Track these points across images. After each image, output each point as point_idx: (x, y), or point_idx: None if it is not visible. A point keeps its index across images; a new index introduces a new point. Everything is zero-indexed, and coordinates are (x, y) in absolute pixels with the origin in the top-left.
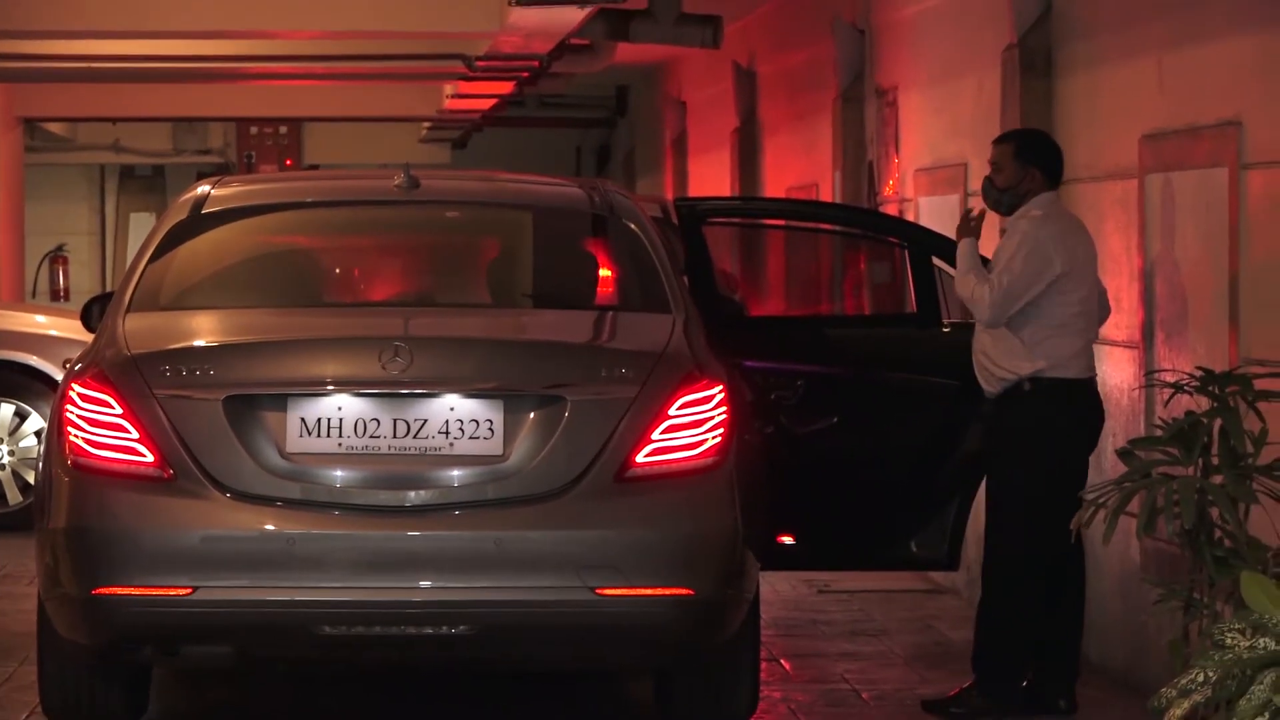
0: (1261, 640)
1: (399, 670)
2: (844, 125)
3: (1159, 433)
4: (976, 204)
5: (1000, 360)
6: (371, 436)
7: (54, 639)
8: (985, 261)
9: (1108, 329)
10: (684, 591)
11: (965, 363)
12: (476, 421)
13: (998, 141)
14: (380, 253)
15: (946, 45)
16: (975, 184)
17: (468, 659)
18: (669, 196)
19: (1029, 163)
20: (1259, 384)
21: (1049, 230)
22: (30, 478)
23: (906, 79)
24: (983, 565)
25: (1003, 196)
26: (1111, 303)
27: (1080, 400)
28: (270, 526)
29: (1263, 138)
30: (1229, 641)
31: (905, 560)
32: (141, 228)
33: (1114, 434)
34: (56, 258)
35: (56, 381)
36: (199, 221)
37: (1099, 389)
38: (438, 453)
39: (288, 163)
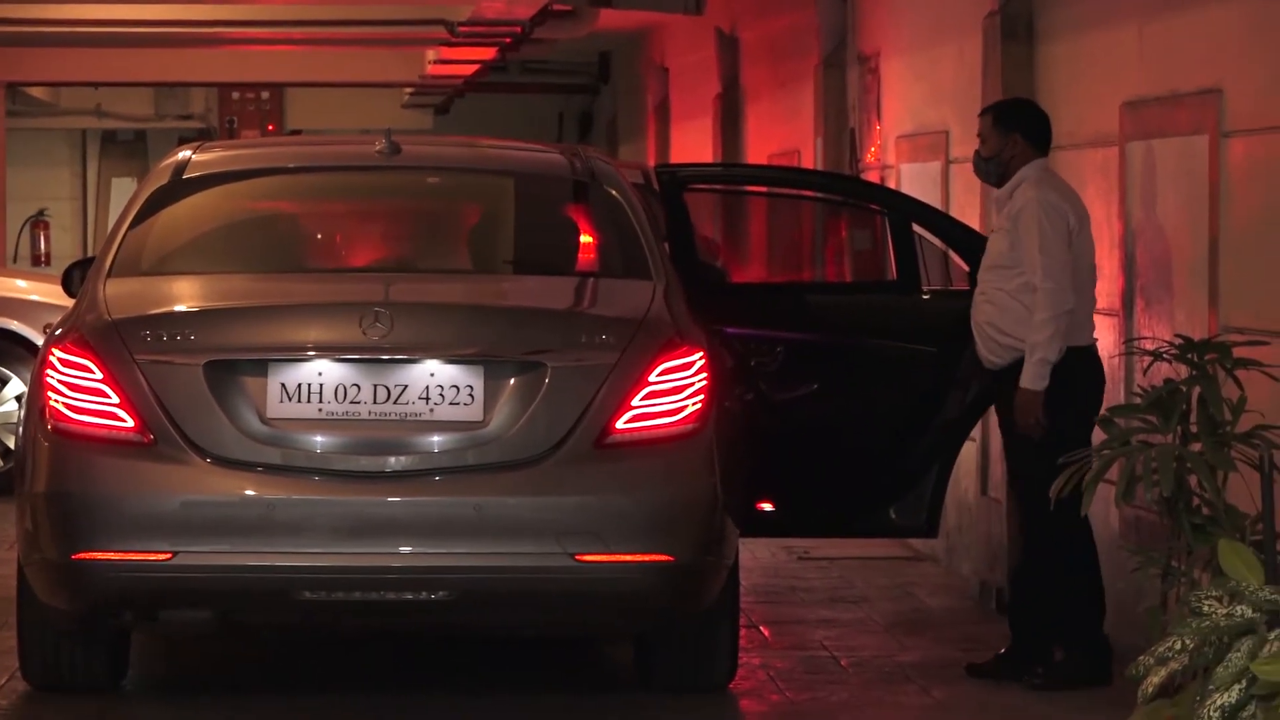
0: (1239, 608)
1: (379, 635)
2: (826, 92)
3: (1138, 400)
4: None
5: (1010, 329)
6: (352, 402)
7: (34, 604)
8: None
9: None
10: (663, 558)
11: (945, 330)
12: (457, 387)
13: (981, 114)
14: (361, 218)
15: (928, 12)
16: (956, 151)
17: (447, 624)
18: (651, 163)
19: (1009, 129)
20: (1237, 352)
21: (1054, 191)
22: (10, 443)
23: (888, 45)
24: (1025, 538)
25: (989, 166)
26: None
27: (1090, 366)
28: (250, 492)
29: (1243, 106)
30: (1206, 609)
31: (884, 527)
32: (123, 193)
33: None
34: (38, 223)
35: (37, 346)
36: (180, 186)
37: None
38: (418, 418)
39: (270, 128)
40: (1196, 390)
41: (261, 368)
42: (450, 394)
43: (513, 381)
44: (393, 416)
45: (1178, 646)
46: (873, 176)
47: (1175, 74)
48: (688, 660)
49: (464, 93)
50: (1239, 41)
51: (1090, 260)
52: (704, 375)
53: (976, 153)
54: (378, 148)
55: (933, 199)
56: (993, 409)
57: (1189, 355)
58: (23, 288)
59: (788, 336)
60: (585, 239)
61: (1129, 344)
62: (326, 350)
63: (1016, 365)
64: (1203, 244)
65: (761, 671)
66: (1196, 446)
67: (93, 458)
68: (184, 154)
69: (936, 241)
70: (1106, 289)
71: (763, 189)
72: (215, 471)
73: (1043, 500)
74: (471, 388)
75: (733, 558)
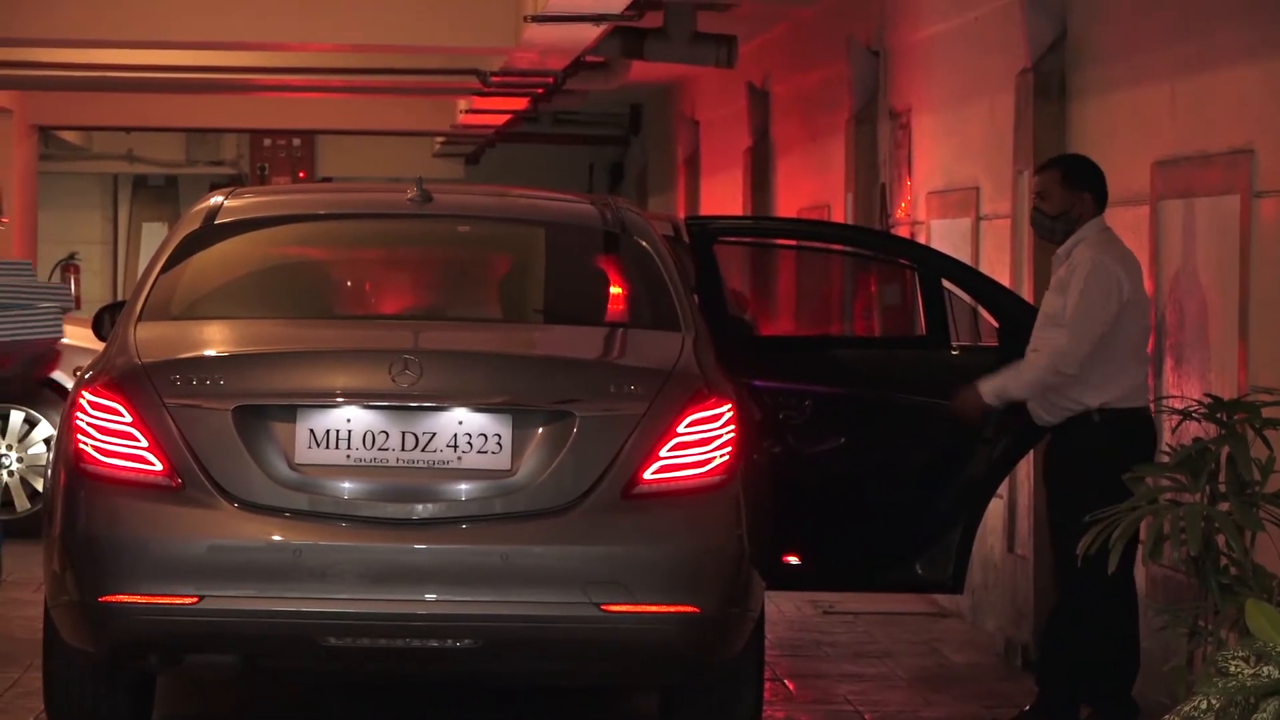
0: (1265, 668)
1: (403, 682)
2: (857, 147)
3: (1167, 459)
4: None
5: (1065, 390)
6: (380, 449)
7: (59, 646)
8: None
9: None
10: (689, 609)
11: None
12: (485, 435)
13: (1041, 170)
14: (392, 266)
15: (960, 68)
16: (987, 207)
17: (472, 672)
18: (681, 215)
19: (1079, 188)
20: (1266, 412)
21: (1112, 255)
22: (39, 485)
23: (920, 101)
24: (1060, 593)
25: (1055, 224)
26: None
27: (1144, 428)
28: (277, 537)
29: (1274, 165)
30: (1233, 669)
31: (910, 582)
32: (154, 237)
33: None
34: (69, 266)
35: (66, 389)
36: (211, 232)
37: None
38: (445, 466)
39: (300, 175)
40: (1225, 450)
41: (290, 413)
42: (478, 442)
43: (541, 430)
44: (420, 464)
45: (1204, 706)
46: (903, 232)
47: (1207, 134)
48: (712, 712)
49: (495, 142)
50: (1270, 102)
51: (1145, 323)
52: (732, 427)
53: (1037, 210)
54: (409, 196)
55: (963, 255)
56: (1020, 466)
57: (1218, 415)
58: None
59: (816, 390)
60: (615, 289)
61: (1158, 402)
62: (355, 397)
63: (1068, 423)
64: (1233, 303)
65: None
66: (1224, 506)
67: (121, 501)
68: (216, 199)
69: (966, 297)
70: None
71: (793, 242)
72: (243, 516)
73: (1083, 557)
74: (500, 436)
75: (758, 610)
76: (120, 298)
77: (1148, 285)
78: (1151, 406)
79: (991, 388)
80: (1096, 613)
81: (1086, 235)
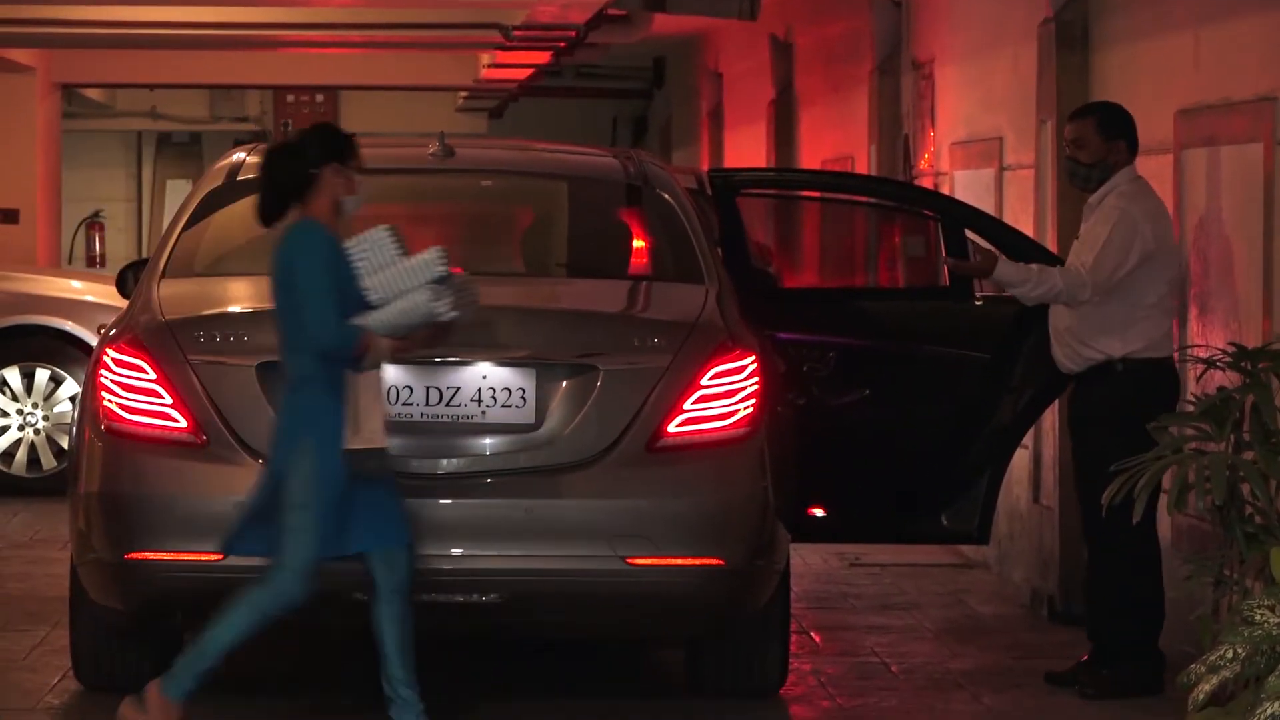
0: None
1: (429, 637)
2: (880, 98)
3: (1191, 408)
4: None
5: (1089, 339)
6: (404, 404)
7: (86, 603)
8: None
9: None
10: (715, 562)
11: (998, 336)
12: (509, 390)
13: (1075, 116)
14: (415, 220)
15: (983, 19)
16: (1010, 158)
17: (498, 626)
18: (705, 168)
19: (1114, 136)
20: None
21: (1141, 207)
22: (65, 443)
23: (943, 52)
24: (1089, 545)
25: (1091, 172)
26: None
27: (1167, 378)
28: None
29: None
30: (1258, 618)
31: (936, 533)
32: (178, 194)
33: None
34: (93, 224)
35: (91, 347)
36: (234, 189)
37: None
38: (470, 420)
39: None
40: (1250, 398)
41: None
42: (502, 396)
43: (565, 384)
44: (445, 419)
45: (1229, 655)
46: (926, 183)
47: (1230, 82)
48: (739, 665)
49: (518, 97)
50: None
51: (1172, 274)
52: (756, 380)
53: (1071, 158)
54: (432, 150)
55: (986, 205)
56: (1045, 416)
57: (1242, 363)
58: (77, 288)
59: (840, 342)
60: (638, 243)
61: (1182, 351)
62: None
63: (1092, 371)
64: (1257, 252)
65: (812, 677)
66: (1249, 455)
67: (146, 458)
68: (238, 156)
69: (990, 248)
70: None
71: (816, 194)
72: None
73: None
74: (524, 390)
75: (784, 563)
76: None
77: (1174, 234)
78: (1175, 357)
79: (1004, 274)
80: (1122, 561)
81: (1118, 184)
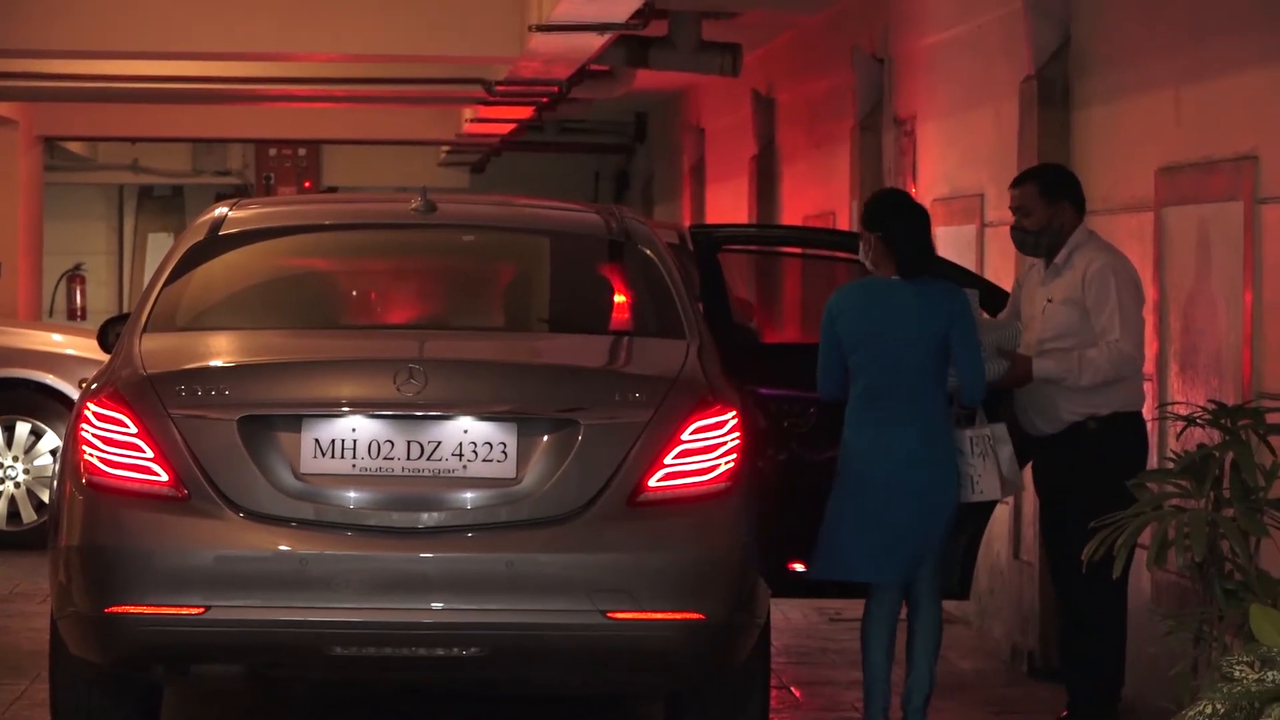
0: (1270, 674)
1: (409, 691)
2: (862, 154)
3: (1171, 465)
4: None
5: (1074, 404)
6: (385, 458)
7: (66, 657)
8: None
9: None
10: (695, 616)
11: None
12: (490, 444)
13: (1016, 184)
14: (396, 276)
15: (964, 76)
16: (991, 214)
17: (478, 681)
18: (686, 223)
19: (1057, 198)
20: (1271, 418)
21: (1118, 256)
22: (45, 496)
23: (924, 109)
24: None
25: (1040, 239)
26: None
27: (1137, 431)
28: (283, 547)
29: (1279, 172)
30: (1237, 674)
31: None
32: (159, 248)
33: None
34: (74, 277)
35: (72, 400)
36: (216, 243)
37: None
38: (451, 475)
39: (306, 185)
40: (1229, 456)
41: (295, 423)
42: (483, 451)
43: (546, 439)
44: (426, 473)
45: (1208, 711)
46: None
47: (1211, 140)
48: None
49: (500, 151)
50: (1275, 108)
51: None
52: (737, 435)
53: (1017, 226)
54: (414, 205)
55: (967, 262)
56: (1026, 472)
57: (1222, 420)
58: (58, 341)
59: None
60: (619, 298)
61: (1162, 408)
62: (360, 406)
63: (1064, 432)
64: (1237, 310)
65: None
66: (1229, 512)
67: (127, 512)
68: (220, 210)
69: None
70: None
71: (797, 250)
72: (249, 526)
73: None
74: (505, 444)
75: (764, 617)
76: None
77: (1151, 292)
78: (1154, 412)
79: (1045, 371)
80: (1098, 616)
81: (1078, 242)
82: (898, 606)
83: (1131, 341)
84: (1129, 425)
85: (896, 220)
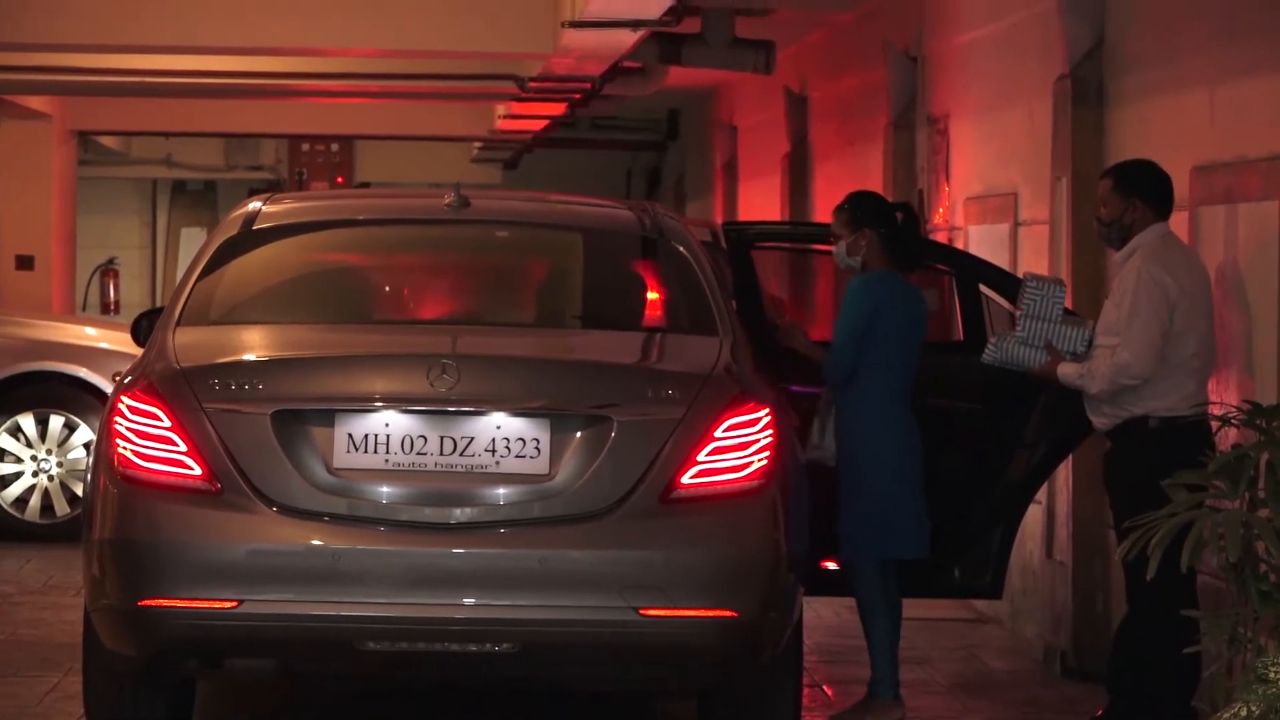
0: None
1: (441, 686)
2: (895, 152)
3: (1206, 466)
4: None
5: (1120, 398)
6: (418, 453)
7: (99, 650)
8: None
9: None
10: (728, 613)
11: (1011, 391)
12: (523, 440)
13: (1102, 176)
14: (430, 271)
15: (998, 74)
16: (1025, 213)
17: (510, 677)
18: (719, 220)
19: (1130, 193)
20: None
21: (1161, 262)
22: (78, 489)
23: (958, 107)
24: (1130, 599)
25: (1110, 231)
26: None
27: (1198, 436)
28: (316, 541)
29: None
30: (1272, 675)
31: (949, 588)
32: (192, 242)
33: None
34: (107, 271)
35: (105, 394)
36: (250, 237)
37: None
38: (484, 470)
39: (339, 180)
40: (1265, 456)
41: (329, 418)
42: (516, 446)
43: (579, 435)
44: (459, 468)
45: (1243, 713)
46: (941, 237)
47: (1245, 139)
48: (750, 718)
49: (533, 148)
50: None
51: (1202, 333)
52: (770, 432)
53: (1096, 217)
54: (447, 201)
55: (1001, 261)
56: (1058, 471)
57: (1258, 421)
58: (92, 335)
59: None
60: (652, 295)
61: (1198, 409)
62: (394, 401)
63: (1124, 425)
64: (1272, 309)
65: None
66: (1264, 513)
67: (160, 505)
68: (254, 205)
69: (1004, 303)
70: None
71: (830, 248)
72: (281, 521)
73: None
74: (538, 441)
75: (797, 615)
76: (159, 303)
77: None
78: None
79: (1066, 375)
80: (1160, 620)
81: (1142, 243)
82: None
83: (1131, 351)
84: (1188, 430)
85: (893, 217)
